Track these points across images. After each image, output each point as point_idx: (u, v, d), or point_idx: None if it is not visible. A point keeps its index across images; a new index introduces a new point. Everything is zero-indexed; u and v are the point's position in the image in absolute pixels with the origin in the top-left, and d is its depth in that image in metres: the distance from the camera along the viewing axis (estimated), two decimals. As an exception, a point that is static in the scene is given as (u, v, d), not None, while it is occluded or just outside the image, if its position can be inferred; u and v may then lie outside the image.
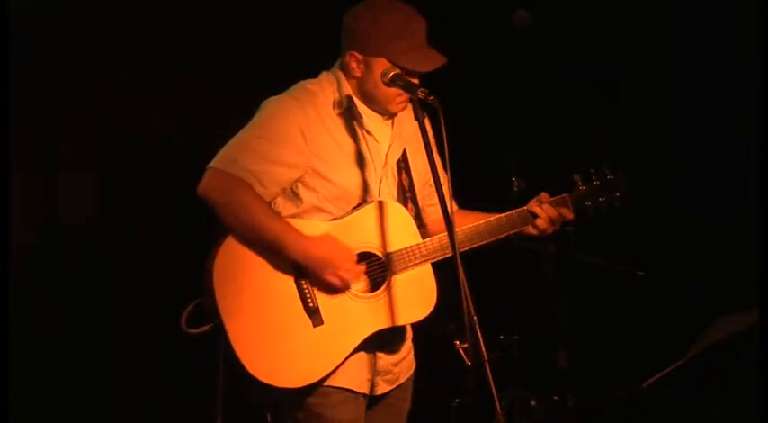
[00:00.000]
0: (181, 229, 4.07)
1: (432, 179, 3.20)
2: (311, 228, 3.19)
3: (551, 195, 3.43)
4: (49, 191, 4.21)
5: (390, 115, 3.32)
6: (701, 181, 4.82)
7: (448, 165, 3.01)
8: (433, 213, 3.46)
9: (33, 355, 4.16)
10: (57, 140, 4.23)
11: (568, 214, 3.43)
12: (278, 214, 3.19)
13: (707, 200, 4.79)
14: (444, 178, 3.05)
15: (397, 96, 3.23)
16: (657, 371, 3.55)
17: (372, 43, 3.18)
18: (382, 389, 3.36)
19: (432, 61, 3.18)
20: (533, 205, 3.40)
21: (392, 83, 3.15)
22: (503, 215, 3.36)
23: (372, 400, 3.35)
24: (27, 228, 4.10)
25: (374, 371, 3.31)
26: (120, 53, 4.28)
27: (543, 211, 3.38)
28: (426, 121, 3.16)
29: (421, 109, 3.09)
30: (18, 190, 3.89)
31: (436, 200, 3.19)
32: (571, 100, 4.89)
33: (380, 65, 3.18)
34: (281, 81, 3.32)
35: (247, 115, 3.24)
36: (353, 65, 3.22)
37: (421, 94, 3.07)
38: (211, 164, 3.16)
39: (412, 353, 3.46)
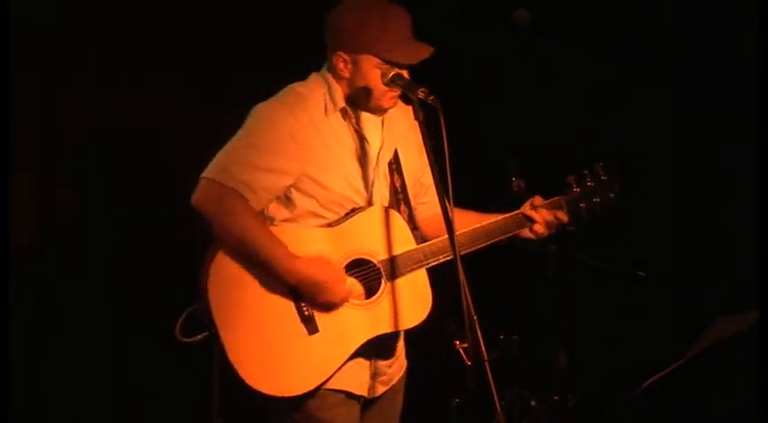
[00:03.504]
0: (179, 230, 4.06)
1: (423, 178, 3.20)
2: (306, 235, 3.18)
3: (545, 198, 3.42)
4: (48, 191, 4.21)
5: (381, 112, 3.28)
6: (701, 181, 4.82)
7: (448, 165, 3.00)
8: (424, 211, 3.44)
9: (33, 355, 4.16)
10: (56, 141, 4.23)
11: (563, 217, 3.43)
12: (271, 233, 3.13)
13: (707, 200, 4.79)
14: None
15: (388, 91, 3.19)
16: (657, 371, 3.54)
17: (358, 41, 3.15)
18: (379, 390, 3.36)
19: (419, 53, 3.14)
20: (529, 210, 3.40)
21: (392, 83, 3.15)
22: (498, 219, 3.36)
23: (367, 402, 3.36)
24: (26, 228, 4.10)
25: (372, 373, 3.32)
26: (120, 54, 4.29)
27: (539, 216, 3.38)
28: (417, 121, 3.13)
29: (421, 109, 3.08)
30: (17, 190, 3.89)
31: (427, 198, 3.22)
32: (571, 100, 4.89)
33: (368, 61, 3.16)
34: (277, 81, 3.32)
35: (241, 115, 3.23)
36: (341, 65, 3.19)
37: (421, 95, 3.06)
38: (204, 173, 3.14)
39: (404, 354, 3.46)
